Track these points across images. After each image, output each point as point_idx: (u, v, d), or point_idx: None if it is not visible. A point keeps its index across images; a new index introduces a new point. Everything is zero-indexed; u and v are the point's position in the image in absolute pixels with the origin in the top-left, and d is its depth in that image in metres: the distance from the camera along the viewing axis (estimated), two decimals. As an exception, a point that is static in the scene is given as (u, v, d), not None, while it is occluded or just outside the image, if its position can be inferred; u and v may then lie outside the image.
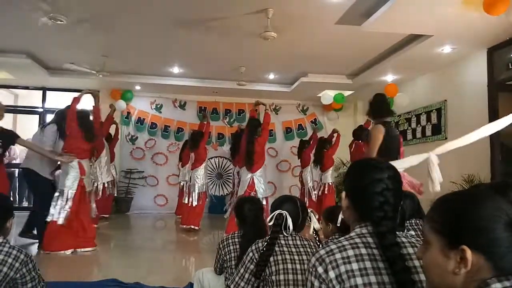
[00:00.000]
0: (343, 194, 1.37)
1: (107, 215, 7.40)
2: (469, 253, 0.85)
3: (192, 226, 6.35)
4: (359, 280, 1.11)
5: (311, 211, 2.13)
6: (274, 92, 8.83)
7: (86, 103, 5.31)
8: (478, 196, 0.93)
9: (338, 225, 2.45)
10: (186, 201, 6.51)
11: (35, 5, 4.71)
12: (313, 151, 7.52)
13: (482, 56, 5.81)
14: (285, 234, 1.88)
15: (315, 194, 7.35)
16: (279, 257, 1.77)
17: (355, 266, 1.14)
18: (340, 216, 2.48)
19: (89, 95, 5.11)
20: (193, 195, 6.39)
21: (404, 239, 1.24)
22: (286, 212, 1.90)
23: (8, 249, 1.89)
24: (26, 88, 8.89)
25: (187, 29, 5.52)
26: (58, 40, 6.10)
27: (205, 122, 6.94)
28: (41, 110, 8.86)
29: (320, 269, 1.16)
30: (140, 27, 5.52)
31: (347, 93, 8.60)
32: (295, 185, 8.74)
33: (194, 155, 6.65)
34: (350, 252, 1.16)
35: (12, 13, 5.08)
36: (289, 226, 1.88)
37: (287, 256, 1.78)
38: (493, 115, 5.59)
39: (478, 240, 0.86)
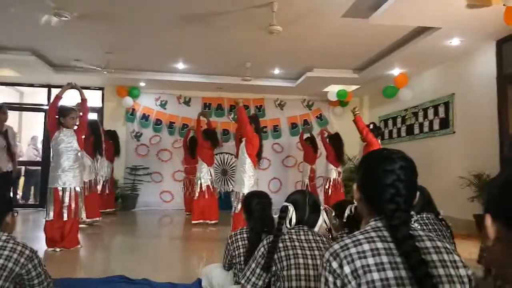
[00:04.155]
0: (355, 186, 1.33)
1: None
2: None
3: (216, 221, 6.69)
4: (375, 275, 1.07)
5: (324, 207, 2.07)
6: (279, 87, 8.79)
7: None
8: None
9: (344, 220, 2.42)
10: (206, 197, 6.75)
11: (39, 1, 4.68)
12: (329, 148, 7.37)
13: (491, 49, 5.72)
14: (289, 226, 1.85)
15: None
16: (290, 252, 1.74)
17: (371, 261, 1.10)
18: (347, 212, 2.44)
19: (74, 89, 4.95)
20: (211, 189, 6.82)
21: (421, 233, 1.20)
22: (291, 204, 1.87)
23: (13, 245, 1.87)
24: (31, 85, 8.89)
25: (191, 24, 5.48)
26: (62, 37, 6.08)
27: (201, 119, 7.21)
28: (46, 107, 8.84)
29: (335, 264, 1.12)
30: (144, 22, 5.48)
31: (353, 87, 8.54)
32: (301, 181, 8.69)
33: (210, 152, 6.97)
34: (366, 247, 1.13)
35: (16, 10, 5.06)
36: (291, 219, 1.85)
37: (299, 251, 1.75)
38: (502, 109, 5.52)
39: None
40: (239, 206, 4.92)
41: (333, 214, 2.58)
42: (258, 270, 1.79)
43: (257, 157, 5.28)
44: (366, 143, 5.70)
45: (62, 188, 4.56)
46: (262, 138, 5.47)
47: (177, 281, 3.26)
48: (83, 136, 4.94)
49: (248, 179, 5.06)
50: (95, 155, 6.60)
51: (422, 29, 5.53)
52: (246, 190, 4.93)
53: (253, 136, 5.13)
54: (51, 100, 4.79)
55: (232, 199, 5.21)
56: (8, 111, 5.41)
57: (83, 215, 4.95)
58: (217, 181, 9.09)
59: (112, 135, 8.01)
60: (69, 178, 4.61)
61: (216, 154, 9.14)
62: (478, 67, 6.06)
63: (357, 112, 5.86)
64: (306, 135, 8.34)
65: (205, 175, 6.80)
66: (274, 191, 9.09)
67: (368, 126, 5.88)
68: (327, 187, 7.12)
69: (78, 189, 4.68)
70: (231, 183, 9.16)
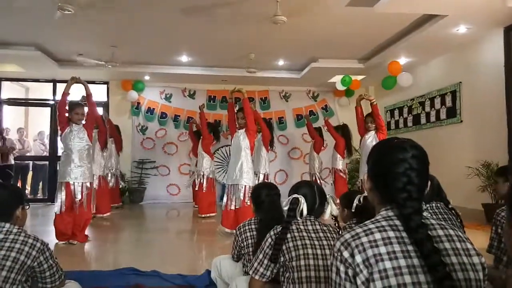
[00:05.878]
0: (365, 176, 1.32)
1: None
2: None
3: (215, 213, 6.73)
4: (387, 264, 1.07)
5: (330, 196, 2.07)
6: (284, 79, 8.75)
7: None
8: None
9: (353, 210, 2.41)
10: (211, 190, 6.87)
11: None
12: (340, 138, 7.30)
13: (498, 36, 5.64)
14: (299, 218, 1.84)
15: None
16: (299, 243, 1.74)
17: (383, 249, 1.09)
18: (355, 202, 2.44)
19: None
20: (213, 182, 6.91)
21: (433, 221, 1.19)
22: (302, 197, 1.87)
23: (24, 238, 1.88)
24: (37, 80, 8.92)
25: (195, 16, 5.45)
26: (66, 32, 6.08)
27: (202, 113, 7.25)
28: (52, 102, 8.89)
29: (346, 254, 1.11)
30: (148, 15, 5.46)
31: (358, 77, 8.46)
32: (307, 172, 8.68)
33: (210, 146, 7.09)
34: (377, 236, 1.11)
35: (20, 5, 5.06)
36: (302, 211, 1.85)
37: (307, 242, 1.74)
38: (510, 97, 5.45)
39: None
40: (240, 200, 4.90)
41: (340, 204, 2.57)
42: (265, 261, 1.79)
43: (270, 147, 5.93)
44: (376, 131, 5.61)
45: (74, 182, 4.56)
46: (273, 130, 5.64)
47: (187, 273, 3.28)
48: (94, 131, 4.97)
49: (247, 172, 5.06)
50: (103, 149, 6.63)
51: (428, 17, 5.46)
52: (245, 182, 4.94)
53: (255, 128, 5.19)
54: (60, 98, 4.78)
55: (230, 192, 5.11)
56: (14, 106, 5.43)
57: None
58: (222, 174, 9.12)
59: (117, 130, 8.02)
60: (80, 173, 4.61)
61: (222, 147, 9.17)
62: (485, 55, 5.98)
63: (373, 101, 5.74)
64: (315, 126, 8.27)
65: (212, 168, 6.82)
66: (280, 183, 9.09)
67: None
68: (336, 177, 7.09)
69: (88, 184, 4.69)
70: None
